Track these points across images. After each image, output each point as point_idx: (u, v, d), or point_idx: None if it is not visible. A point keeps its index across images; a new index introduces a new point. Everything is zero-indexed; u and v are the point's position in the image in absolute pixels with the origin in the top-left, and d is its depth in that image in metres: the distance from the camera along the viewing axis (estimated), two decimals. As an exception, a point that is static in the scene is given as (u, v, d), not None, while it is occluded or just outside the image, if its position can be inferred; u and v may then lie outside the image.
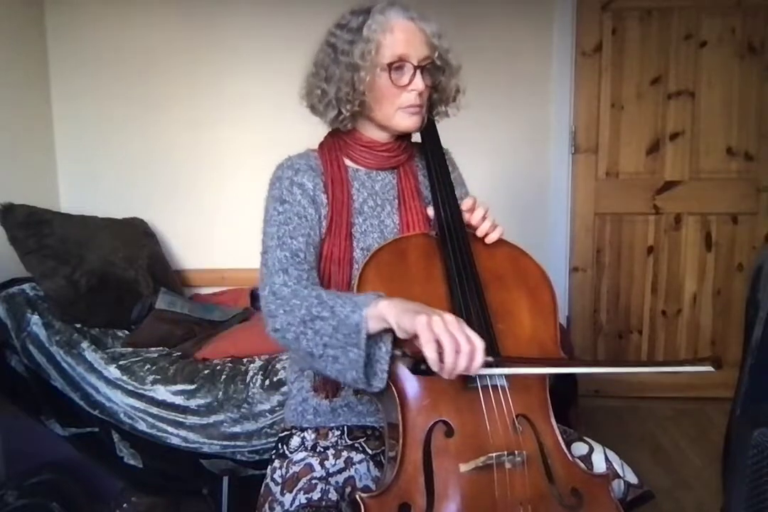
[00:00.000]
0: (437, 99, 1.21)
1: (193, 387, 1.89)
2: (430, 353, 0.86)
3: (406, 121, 1.15)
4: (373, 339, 0.94)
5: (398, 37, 1.10)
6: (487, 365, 0.90)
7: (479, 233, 1.11)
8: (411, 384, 0.97)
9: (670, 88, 2.77)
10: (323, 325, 0.96)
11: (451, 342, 0.85)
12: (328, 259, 1.12)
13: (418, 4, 1.16)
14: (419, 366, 0.90)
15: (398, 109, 1.13)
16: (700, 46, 2.74)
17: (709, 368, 0.99)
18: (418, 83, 1.11)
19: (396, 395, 0.96)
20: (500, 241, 1.16)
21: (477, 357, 0.87)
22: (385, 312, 0.91)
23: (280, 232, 1.10)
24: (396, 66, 1.10)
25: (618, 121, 2.80)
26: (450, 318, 0.88)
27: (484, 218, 1.12)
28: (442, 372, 0.87)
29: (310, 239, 1.11)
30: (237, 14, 2.66)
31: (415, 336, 0.87)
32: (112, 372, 1.95)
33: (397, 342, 0.94)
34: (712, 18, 2.71)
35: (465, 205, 1.12)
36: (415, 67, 1.11)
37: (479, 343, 0.87)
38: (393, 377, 0.96)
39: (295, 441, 1.15)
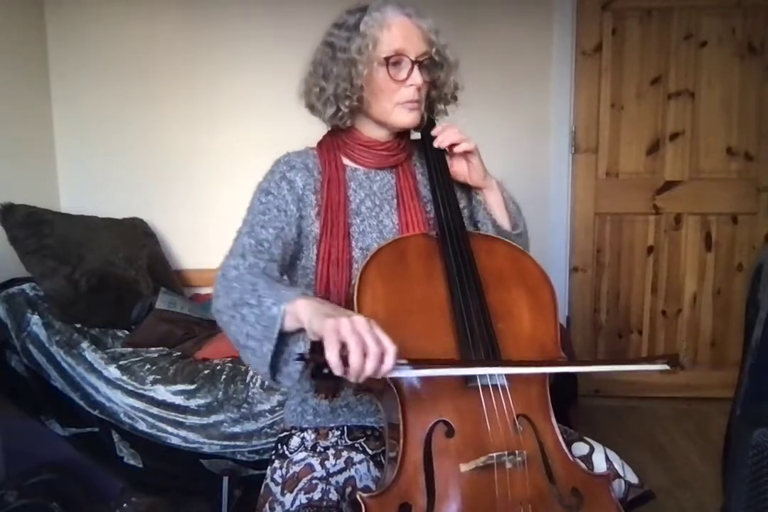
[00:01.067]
0: (436, 96, 1.21)
1: (193, 387, 1.89)
2: (330, 355, 0.82)
3: (405, 117, 1.15)
4: (291, 338, 0.92)
5: (395, 32, 1.10)
6: (404, 367, 0.87)
7: (441, 141, 1.15)
8: (411, 384, 0.97)
9: (670, 88, 2.77)
10: (248, 313, 0.95)
11: (358, 344, 0.82)
12: (325, 260, 1.12)
13: (418, 4, 1.16)
14: (321, 369, 0.84)
15: (396, 104, 1.13)
16: (700, 46, 2.74)
17: (665, 367, 0.99)
18: (417, 78, 1.11)
19: (396, 395, 0.96)
20: (500, 241, 1.16)
21: (387, 360, 0.83)
22: (300, 311, 0.89)
23: (255, 220, 1.11)
24: (394, 61, 1.11)
25: (618, 121, 2.80)
26: (360, 319, 0.84)
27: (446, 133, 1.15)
28: (349, 376, 0.83)
29: (282, 233, 1.11)
30: (237, 14, 2.66)
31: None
32: (112, 372, 1.95)
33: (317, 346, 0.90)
34: (712, 18, 2.71)
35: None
36: (413, 62, 1.11)
37: (390, 346, 0.84)
38: (394, 377, 0.96)
39: (295, 441, 1.14)
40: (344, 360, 0.82)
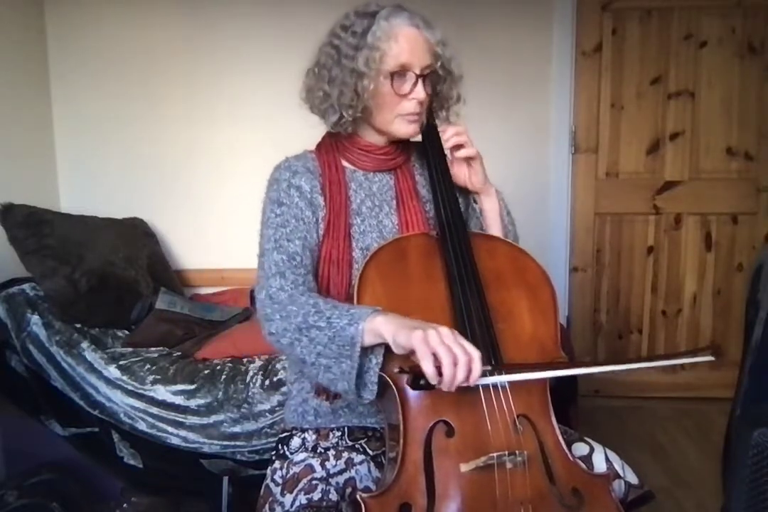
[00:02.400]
0: (437, 105, 1.21)
1: (193, 387, 1.89)
2: (428, 367, 0.85)
3: (405, 128, 1.15)
4: (364, 351, 0.94)
5: (402, 45, 1.09)
6: (484, 374, 0.89)
7: (447, 144, 1.16)
8: (411, 384, 0.97)
9: (670, 88, 2.77)
10: (319, 335, 0.96)
11: (448, 354, 0.85)
12: (326, 261, 1.12)
13: (419, 4, 1.16)
14: (418, 381, 0.90)
15: (398, 115, 1.13)
16: (700, 46, 2.74)
17: (710, 357, 0.98)
18: (419, 92, 1.11)
19: (396, 396, 0.96)
20: (500, 241, 1.16)
21: (475, 368, 0.86)
22: (381, 328, 0.92)
23: (277, 234, 1.10)
24: (398, 74, 1.10)
25: (618, 121, 2.80)
26: (445, 331, 0.88)
27: (455, 135, 1.16)
28: (442, 386, 0.87)
29: (306, 242, 1.11)
30: (237, 14, 2.66)
31: (412, 352, 0.88)
32: (112, 372, 1.95)
33: (392, 359, 0.94)
34: (712, 18, 2.71)
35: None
36: (417, 77, 1.11)
37: (476, 353, 0.87)
38: (393, 378, 0.96)
39: (295, 441, 1.14)
40: (437, 370, 0.86)
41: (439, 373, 0.86)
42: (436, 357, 0.86)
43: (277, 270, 1.07)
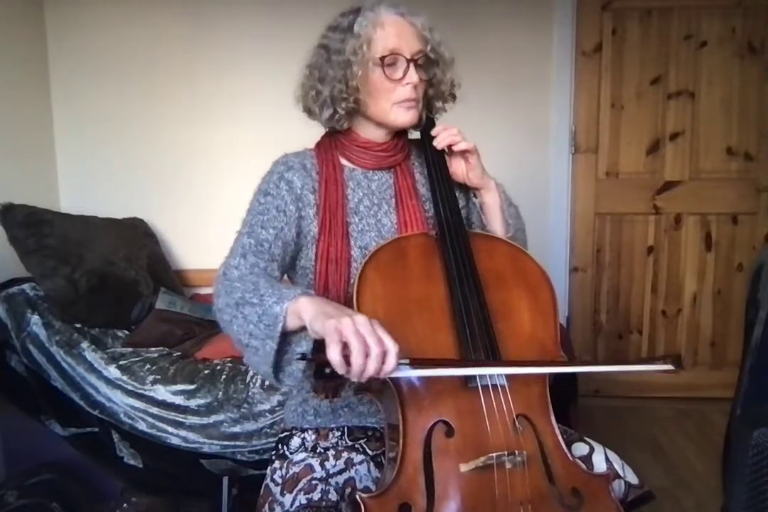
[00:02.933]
0: (434, 94, 1.20)
1: (193, 387, 1.89)
2: (332, 355, 0.82)
3: (403, 116, 1.15)
4: (294, 336, 0.93)
5: (389, 31, 1.10)
6: (408, 367, 0.87)
7: (439, 142, 1.15)
8: (411, 384, 0.97)
9: (670, 88, 2.77)
10: (251, 312, 0.95)
11: (359, 343, 0.82)
12: (324, 259, 1.12)
13: (419, 5, 1.16)
14: (323, 369, 0.85)
15: (394, 104, 1.13)
16: (700, 46, 2.74)
17: (669, 366, 0.99)
18: (413, 76, 1.11)
19: (396, 395, 0.96)
20: (500, 241, 1.16)
21: (389, 360, 0.83)
22: (302, 309, 0.89)
23: (254, 220, 1.12)
24: (389, 60, 1.11)
25: (618, 121, 2.80)
26: (361, 319, 0.84)
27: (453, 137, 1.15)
28: (351, 376, 0.84)
29: (281, 233, 1.11)
30: (237, 14, 2.66)
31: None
32: (112, 372, 1.95)
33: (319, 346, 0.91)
34: (712, 18, 2.71)
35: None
36: (408, 61, 1.11)
37: (392, 346, 0.84)
38: (393, 377, 0.96)
39: (295, 441, 1.14)
40: (346, 359, 0.82)
41: (348, 363, 0.83)
42: (347, 347, 0.83)
43: (241, 252, 1.08)
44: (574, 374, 1.94)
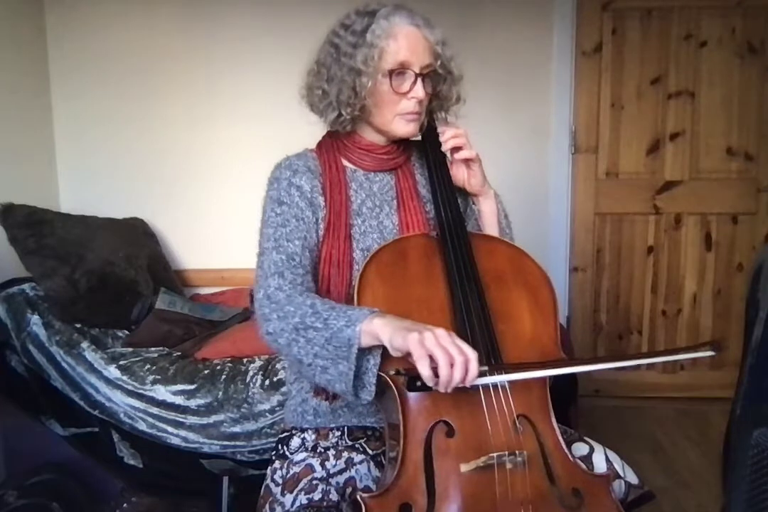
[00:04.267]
0: (437, 106, 1.21)
1: (193, 387, 1.89)
2: (424, 369, 0.86)
3: (404, 128, 1.15)
4: (362, 352, 0.95)
5: (401, 43, 1.09)
6: (481, 374, 0.89)
7: (445, 146, 1.16)
8: (412, 384, 0.97)
9: (670, 88, 2.77)
10: (316, 335, 0.96)
11: (444, 355, 0.85)
12: (327, 261, 1.12)
13: (419, 4, 1.16)
14: (415, 383, 0.89)
15: (396, 115, 1.13)
16: (700, 46, 2.73)
17: (710, 352, 0.98)
18: (419, 91, 1.11)
19: (397, 396, 0.96)
20: (500, 241, 1.16)
21: (471, 368, 0.87)
22: (378, 331, 0.91)
23: (277, 234, 1.10)
24: (397, 72, 1.10)
25: (618, 121, 2.80)
26: (441, 332, 0.88)
27: (454, 137, 1.16)
28: (439, 387, 0.87)
29: (306, 242, 1.11)
30: (237, 13, 2.66)
31: (409, 354, 0.88)
32: (112, 372, 1.95)
33: (390, 360, 0.94)
34: (712, 18, 2.71)
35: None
36: (417, 75, 1.10)
37: (472, 354, 0.87)
38: (394, 378, 0.96)
39: (295, 441, 1.14)
40: (433, 371, 0.86)
41: (436, 375, 0.86)
42: (432, 359, 0.86)
43: (275, 270, 1.07)
44: (573, 374, 1.94)
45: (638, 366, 2.88)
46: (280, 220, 1.11)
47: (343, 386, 0.95)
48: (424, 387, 0.89)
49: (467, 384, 0.88)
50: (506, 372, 0.96)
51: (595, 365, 1.04)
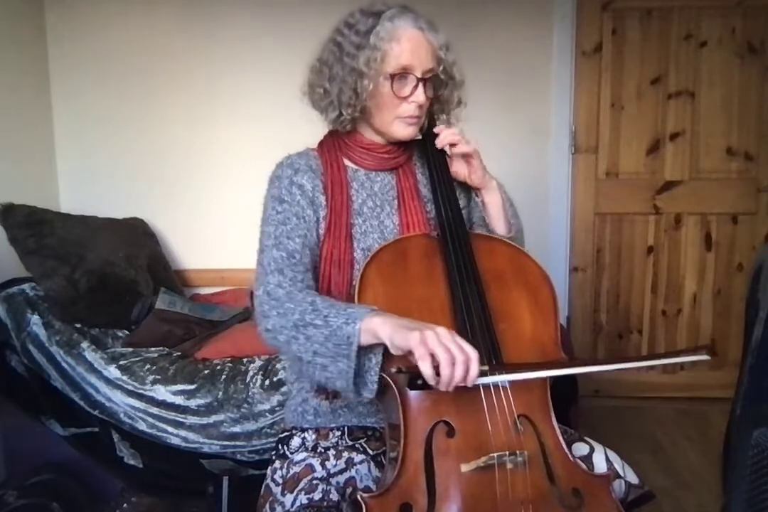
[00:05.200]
0: (438, 109, 1.21)
1: (193, 387, 1.89)
2: (426, 368, 0.85)
3: (403, 131, 1.15)
4: (363, 350, 0.94)
5: (405, 47, 1.09)
6: (482, 374, 0.90)
7: (440, 140, 1.15)
8: (412, 384, 0.97)
9: (670, 88, 2.77)
10: (315, 333, 0.96)
11: (446, 354, 0.85)
12: (328, 261, 1.12)
13: (419, 4, 1.16)
14: (416, 381, 0.89)
15: (396, 118, 1.13)
16: (700, 46, 2.73)
17: (705, 357, 0.99)
18: (420, 96, 1.11)
19: (397, 396, 0.96)
20: (500, 241, 1.16)
21: (472, 367, 0.87)
22: (378, 329, 0.91)
23: (277, 231, 1.10)
24: (399, 76, 1.10)
25: (618, 121, 2.80)
26: (442, 331, 0.88)
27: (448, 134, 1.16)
28: (440, 386, 0.87)
29: (306, 240, 1.11)
30: (237, 13, 2.66)
31: (410, 353, 0.88)
32: (112, 372, 1.95)
33: (391, 358, 0.94)
34: (712, 18, 2.71)
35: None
36: (418, 80, 1.10)
37: (473, 353, 0.87)
38: (394, 378, 0.96)
39: (295, 441, 1.14)
40: (435, 370, 0.86)
41: (437, 373, 0.86)
42: (433, 358, 0.86)
43: (275, 267, 1.07)
44: (573, 374, 1.94)
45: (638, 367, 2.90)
46: (281, 218, 1.11)
47: (344, 383, 0.95)
48: (425, 386, 0.89)
49: (468, 384, 0.88)
50: (507, 373, 0.96)
51: (595, 367, 1.04)
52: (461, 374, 0.86)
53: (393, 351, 0.91)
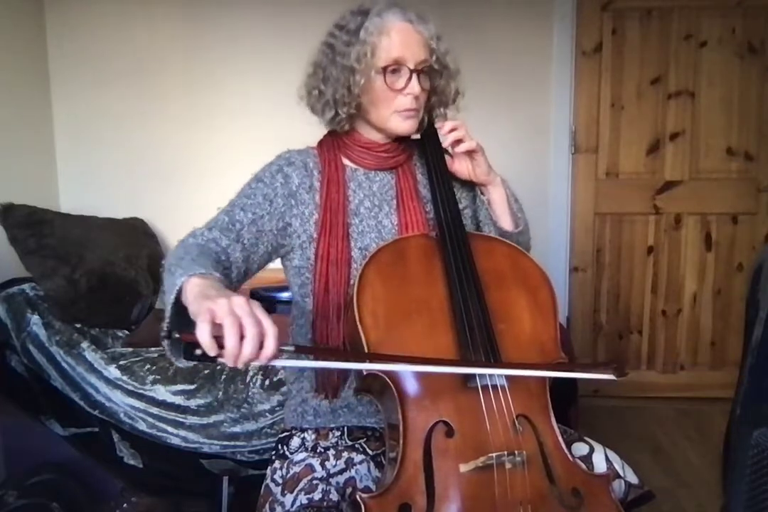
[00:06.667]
0: (436, 101, 1.20)
1: (193, 387, 1.89)
2: (200, 334, 0.76)
3: (402, 125, 1.14)
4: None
5: (395, 39, 1.09)
6: (286, 354, 0.82)
7: (445, 142, 1.15)
8: (411, 384, 0.97)
9: (670, 88, 2.77)
10: (167, 279, 0.95)
11: (233, 324, 0.76)
12: (324, 259, 1.12)
13: (419, 4, 1.16)
14: (193, 350, 0.79)
15: (393, 112, 1.13)
16: (700, 46, 2.74)
17: (611, 376, 0.99)
18: (414, 87, 1.10)
19: (396, 395, 0.96)
20: (499, 241, 1.16)
21: (268, 344, 0.78)
22: (188, 289, 0.86)
23: (238, 201, 1.13)
24: (392, 69, 1.10)
25: (618, 121, 2.80)
26: (238, 300, 0.79)
27: (453, 131, 1.14)
28: (225, 360, 0.78)
29: (259, 221, 1.11)
30: (236, 13, 2.66)
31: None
32: (112, 372, 1.95)
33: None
34: (712, 18, 2.71)
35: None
36: (411, 71, 1.10)
37: (271, 328, 0.79)
38: (393, 377, 0.96)
39: (295, 441, 1.15)
40: (221, 341, 0.77)
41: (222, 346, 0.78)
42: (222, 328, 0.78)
43: (211, 225, 1.09)
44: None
45: (638, 366, 2.91)
46: (248, 192, 1.14)
47: (162, 341, 0.88)
48: (205, 357, 0.78)
49: (262, 362, 0.79)
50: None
51: (499, 369, 1.00)
52: (251, 349, 0.77)
53: (192, 317, 0.83)
